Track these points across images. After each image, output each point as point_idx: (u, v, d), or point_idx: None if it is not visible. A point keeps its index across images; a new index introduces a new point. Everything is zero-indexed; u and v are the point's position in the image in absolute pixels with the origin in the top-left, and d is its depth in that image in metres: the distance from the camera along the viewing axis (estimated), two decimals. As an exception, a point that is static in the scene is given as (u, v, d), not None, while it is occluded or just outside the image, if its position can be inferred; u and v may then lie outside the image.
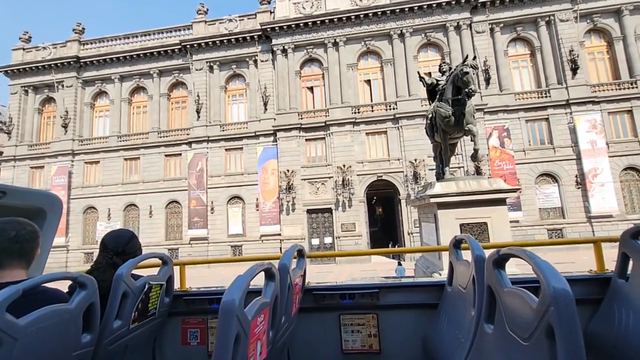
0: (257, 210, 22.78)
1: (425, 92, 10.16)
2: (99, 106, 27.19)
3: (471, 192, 7.60)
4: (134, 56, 25.86)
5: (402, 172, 20.97)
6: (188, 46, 24.92)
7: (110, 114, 26.39)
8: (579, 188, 20.06)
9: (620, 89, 20.83)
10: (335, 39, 22.92)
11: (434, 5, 21.88)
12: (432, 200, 7.72)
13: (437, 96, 8.88)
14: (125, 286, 1.70)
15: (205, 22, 25.42)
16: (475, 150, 7.96)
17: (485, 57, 21.72)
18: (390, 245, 22.82)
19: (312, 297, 2.39)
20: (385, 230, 24.54)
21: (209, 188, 23.39)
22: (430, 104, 9.64)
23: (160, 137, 25.17)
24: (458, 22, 21.82)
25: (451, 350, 1.75)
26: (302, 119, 22.75)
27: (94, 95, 26.96)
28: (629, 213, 19.76)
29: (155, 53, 25.61)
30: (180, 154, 24.67)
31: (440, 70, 9.50)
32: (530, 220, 20.25)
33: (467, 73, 7.46)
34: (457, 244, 2.12)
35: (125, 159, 25.31)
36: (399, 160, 21.19)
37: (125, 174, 25.21)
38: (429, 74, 21.84)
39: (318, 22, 22.94)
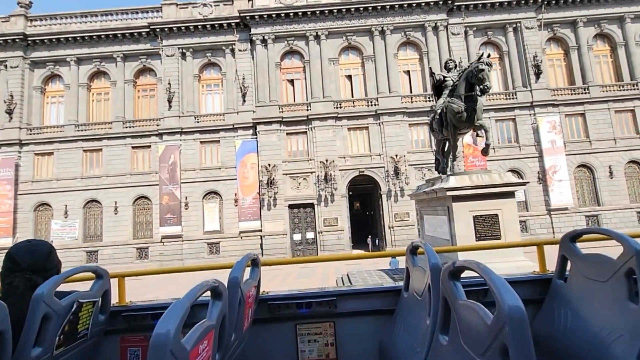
0: (236, 205, 21.95)
1: (430, 88, 10.32)
2: (51, 91, 24.35)
3: (485, 185, 7.90)
4: (94, 37, 23.45)
5: (383, 167, 21.39)
6: (158, 30, 23.14)
7: (66, 101, 23.76)
8: (540, 184, 21.91)
9: (574, 94, 23.01)
10: (317, 32, 22.63)
11: (414, 4, 22.44)
12: (449, 193, 7.87)
13: (447, 92, 9.07)
14: (47, 308, 1.46)
15: (177, 5, 23.77)
16: (487, 145, 8.26)
17: (460, 58, 22.64)
18: (369, 239, 23.24)
19: (267, 308, 2.29)
20: (365, 224, 24.92)
21: (182, 183, 22.06)
22: (435, 100, 9.82)
23: (126, 127, 23.19)
24: (436, 23, 22.61)
25: (407, 358, 1.76)
26: (282, 112, 22.24)
27: (45, 78, 24.06)
28: (581, 206, 22.01)
29: (119, 35, 23.43)
30: (149, 146, 22.94)
31: (446, 67, 9.73)
32: (499, 213, 21.70)
33: (482, 70, 7.69)
34: (413, 250, 2.11)
35: (85, 151, 22.99)
36: (380, 155, 21.57)
37: (85, 167, 22.91)
38: (408, 72, 22.50)
39: (300, 13, 22.47)
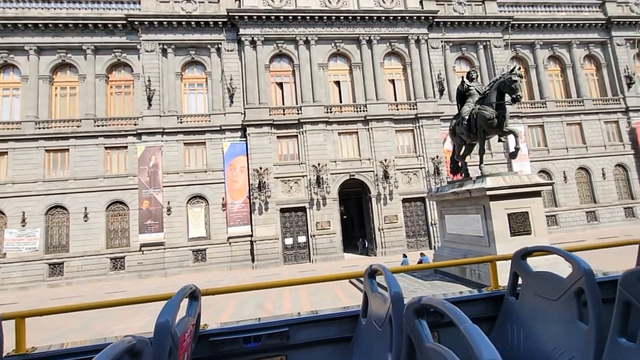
0: (224, 210, 21.10)
1: (454, 96, 11.00)
2: (3, 82, 21.42)
3: (518, 185, 8.70)
4: (60, 26, 21.20)
5: (373, 171, 22.07)
6: (136, 23, 21.62)
7: (22, 94, 21.07)
8: (509, 187, 24.15)
9: (535, 107, 25.89)
10: (307, 37, 22.81)
11: (399, 17, 23.68)
12: (488, 192, 8.51)
13: (475, 100, 9.82)
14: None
15: (157, -2, 22.43)
16: (517, 149, 9.11)
17: (439, 70, 24.46)
18: (359, 242, 23.73)
19: (208, 345, 1.98)
20: (355, 227, 25.36)
21: (164, 186, 20.68)
22: (459, 107, 10.56)
23: (98, 125, 21.18)
24: (418, 36, 24.06)
25: None
26: (272, 115, 21.95)
27: (-4, 68, 21.16)
28: (545, 207, 24.64)
29: (90, 25, 21.45)
30: (126, 147, 21.18)
31: (468, 77, 10.55)
32: (475, 214, 23.52)
33: (515, 81, 8.52)
34: (372, 274, 1.98)
35: (48, 151, 20.53)
36: (369, 160, 22.23)
37: (47, 169, 20.43)
38: (392, 81, 23.49)
39: (290, 17, 22.50)
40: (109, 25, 21.68)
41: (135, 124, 21.40)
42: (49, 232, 19.90)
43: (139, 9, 22.29)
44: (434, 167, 22.30)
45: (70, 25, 21.25)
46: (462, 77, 10.71)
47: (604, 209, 25.21)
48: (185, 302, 1.72)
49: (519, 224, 8.67)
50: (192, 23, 22.22)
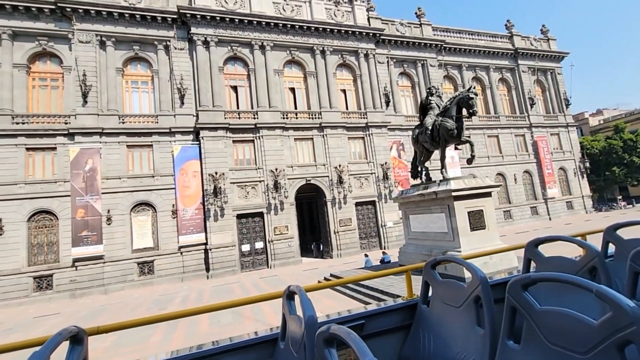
0: (174, 218, 19.77)
1: (418, 109, 12.21)
2: None
3: (476, 187, 10.13)
4: (-35, 3, 17.81)
5: (328, 176, 22.87)
6: (69, 9, 19.25)
7: None
8: (445, 190, 27.22)
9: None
10: (262, 42, 22.82)
11: (350, 32, 25.14)
12: (453, 193, 9.76)
13: (436, 112, 11.17)
14: None
15: (94, -15, 20.29)
16: (472, 157, 10.57)
17: (385, 83, 26.53)
18: (313, 246, 24.22)
19: None
20: (309, 231, 25.72)
21: (103, 193, 18.60)
22: (420, 119, 11.86)
23: (17, 123, 18.18)
24: (367, 51, 25.82)
25: None
26: (227, 118, 21.38)
27: None
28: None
29: (8, 7, 18.43)
30: (54, 148, 18.54)
31: (429, 93, 11.88)
32: (418, 215, 25.90)
33: (472, 98, 10.00)
34: (290, 295, 1.95)
35: (-54, 151, 16.94)
36: (324, 165, 23.00)
37: (-56, 174, 16.82)
38: (344, 91, 24.82)
39: (245, 21, 22.30)
40: (33, 9, 18.89)
41: (66, 123, 18.90)
42: (-53, 250, 16.34)
43: (71, -5, 19.86)
44: (383, 173, 24.00)
45: (-20, 3, 17.99)
46: (430, 89, 12.02)
47: (516, 208, 29.90)
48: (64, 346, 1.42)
49: (477, 220, 10.09)
50: (137, 16, 20.58)
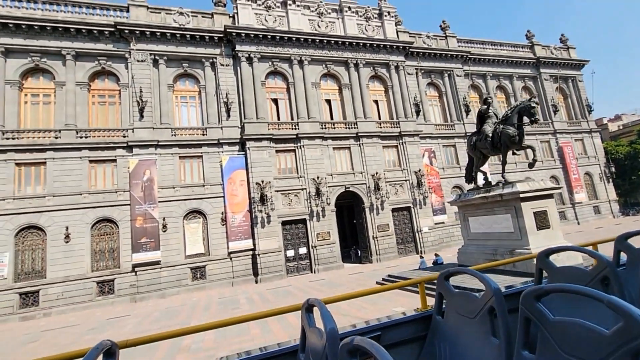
0: (224, 224, 20.71)
1: (476, 117, 13.05)
2: (-42, 86, 18.62)
3: (541, 189, 10.86)
4: (35, 28, 19.34)
5: (365, 183, 23.70)
6: (127, 31, 20.72)
7: (-16, 100, 18.53)
8: (475, 196, 27.75)
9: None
10: (301, 57, 24.06)
11: (381, 45, 26.30)
12: (521, 195, 10.50)
13: (496, 120, 11.99)
14: None
15: (148, 7, 21.82)
16: (534, 161, 11.32)
17: (415, 94, 27.52)
18: (352, 251, 24.90)
19: None
20: (347, 237, 26.42)
21: (159, 202, 19.66)
22: (480, 127, 12.68)
23: (80, 137, 19.47)
24: (397, 63, 26.92)
25: None
26: (269, 129, 22.47)
27: (-51, 69, 18.37)
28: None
29: (72, 30, 19.95)
30: (114, 160, 19.74)
31: (485, 102, 12.75)
32: (450, 221, 26.48)
33: (534, 107, 10.82)
34: (309, 308, 1.95)
35: (19, 164, 18.21)
36: (361, 173, 23.86)
37: (17, 185, 18.06)
38: (376, 102, 25.79)
39: (285, 37, 23.60)
40: (94, 32, 20.40)
41: (124, 136, 20.15)
42: (19, 256, 17.43)
43: (126, 17, 21.39)
44: (417, 180, 24.76)
45: (48, 28, 19.51)
46: (485, 99, 12.87)
47: (545, 214, 30.18)
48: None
49: (542, 220, 10.79)
50: (187, 36, 22.00)
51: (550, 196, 11.13)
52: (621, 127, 47.54)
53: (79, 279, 17.88)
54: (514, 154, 13.26)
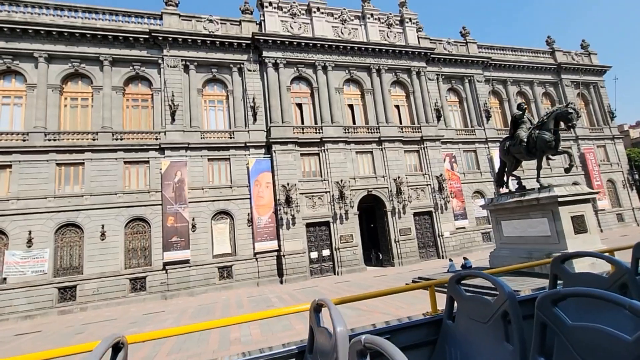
0: (249, 226, 21.21)
1: (510, 122, 13.25)
2: (4, 90, 19.67)
3: (577, 194, 11.00)
4: (77, 35, 20.34)
5: (387, 187, 23.96)
6: (160, 38, 21.59)
7: (28, 103, 19.52)
8: (496, 201, 27.69)
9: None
10: (325, 63, 24.59)
11: (403, 51, 26.68)
12: (560, 199, 10.66)
13: (531, 126, 12.19)
14: None
15: (180, 15, 22.71)
16: (571, 166, 11.49)
17: (435, 99, 27.75)
18: (372, 255, 25.09)
19: None
20: (369, 240, 26.63)
21: (189, 202, 20.29)
22: (513, 132, 12.89)
23: (116, 139, 20.30)
24: (419, 69, 27.23)
25: None
26: (294, 133, 22.97)
27: (-3, 73, 19.45)
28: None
29: (110, 37, 20.90)
30: (147, 162, 20.50)
31: (519, 108, 12.96)
32: (471, 226, 26.48)
33: (571, 113, 11.00)
34: (317, 308, 1.93)
35: (59, 164, 19.10)
36: (383, 177, 24.13)
37: (58, 184, 18.92)
38: (397, 107, 26.03)
39: (310, 44, 24.18)
40: (130, 39, 21.32)
41: (156, 139, 20.92)
42: (58, 252, 18.21)
43: (159, 25, 22.29)
44: (439, 184, 24.90)
45: (88, 35, 20.50)
46: (519, 105, 13.09)
47: (567, 220, 29.86)
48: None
49: (579, 224, 10.91)
50: (217, 42, 22.77)
51: (587, 201, 11.25)
52: (643, 134, 46.73)
53: (114, 276, 18.56)
54: (548, 159, 13.39)
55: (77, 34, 20.35)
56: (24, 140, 18.79)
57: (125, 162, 20.16)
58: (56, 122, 19.79)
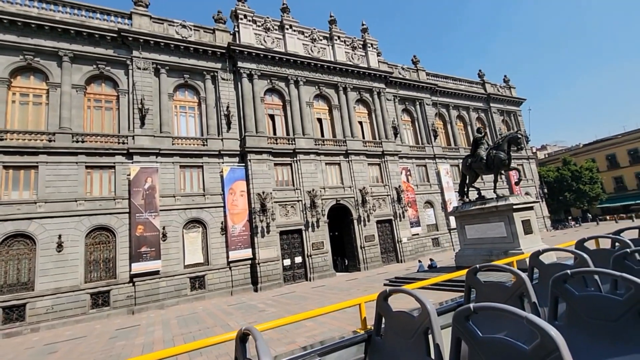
0: (223, 234, 21.03)
1: (472, 142, 15.81)
2: None
3: (527, 202, 13.73)
4: (33, 26, 18.53)
5: (354, 197, 25.71)
6: (130, 39, 20.68)
7: (-33, 96, 17.11)
8: (443, 210, 31.36)
9: (452, 152, 34.70)
10: (297, 78, 25.79)
11: (365, 73, 29.18)
12: (514, 207, 13.22)
13: (488, 147, 14.83)
14: None
15: (151, 17, 22.04)
16: (520, 180, 14.25)
17: (393, 118, 30.72)
18: (338, 261, 26.40)
19: None
20: (334, 247, 27.72)
21: (160, 210, 19.48)
22: (474, 151, 15.47)
23: (76, 141, 18.72)
24: (379, 89, 29.96)
25: None
26: (268, 143, 23.55)
27: None
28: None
29: (72, 32, 19.43)
30: (112, 167, 19.21)
31: (478, 131, 15.63)
32: (423, 233, 29.54)
33: (520, 138, 13.82)
34: (243, 338, 1.86)
35: (6, 167, 16.95)
36: (350, 187, 25.86)
37: (3, 189, 16.74)
38: (361, 123, 28.21)
39: (284, 58, 25.21)
40: (95, 35, 20.04)
41: (123, 143, 19.77)
42: (6, 266, 16.03)
43: (128, 25, 21.35)
44: (397, 195, 27.46)
45: (46, 27, 18.81)
46: (478, 129, 15.74)
47: (497, 227, 34.92)
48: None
49: (527, 227, 13.61)
50: (190, 48, 22.52)
51: (531, 208, 14.07)
52: (547, 156, 56.66)
53: (72, 291, 16.88)
54: (501, 174, 16.24)
55: (32, 25, 18.53)
56: (-39, 139, 16.37)
57: (87, 167, 18.64)
58: (2, 120, 17.60)
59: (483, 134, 15.73)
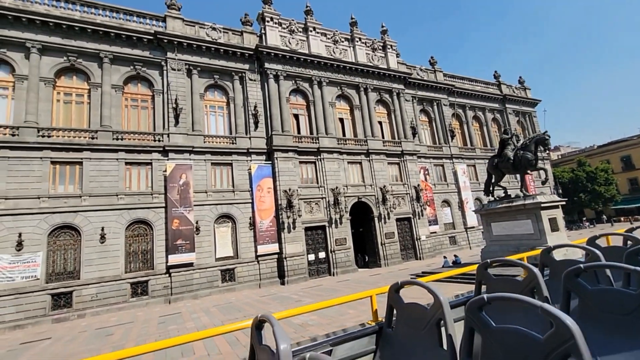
0: (251, 229, 21.88)
1: (498, 142, 16.41)
2: (-13, 79, 18.04)
3: (553, 201, 14.30)
4: (76, 29, 19.53)
5: (374, 195, 26.39)
6: (165, 41, 21.60)
7: (17, 96, 18.15)
8: (460, 209, 31.87)
9: (468, 152, 35.14)
10: (320, 79, 26.52)
11: (386, 74, 29.80)
12: (542, 205, 13.81)
13: (514, 147, 15.41)
14: None
15: (183, 20, 22.93)
16: (546, 179, 14.80)
17: (412, 119, 31.28)
18: (359, 257, 27.11)
19: None
20: (356, 243, 28.46)
21: (194, 205, 20.40)
22: (501, 151, 16.04)
23: (116, 139, 19.70)
24: (398, 90, 30.56)
25: None
26: (293, 142, 24.33)
27: (-20, 61, 17.82)
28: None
29: (112, 34, 20.40)
30: (149, 163, 20.16)
31: (505, 132, 16.19)
32: (441, 231, 30.10)
33: (547, 139, 14.36)
34: (259, 325, 1.85)
35: (54, 162, 17.98)
36: (371, 186, 26.54)
37: (52, 184, 17.78)
38: (380, 123, 28.79)
39: (308, 60, 25.96)
40: (133, 38, 21.01)
41: (158, 140, 20.71)
42: (54, 256, 17.06)
43: (162, 27, 22.28)
44: (416, 193, 28.07)
45: (89, 30, 19.80)
46: (506, 130, 16.31)
47: (512, 227, 35.31)
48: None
49: (554, 224, 14.17)
50: (221, 50, 23.38)
51: (558, 207, 14.63)
52: (560, 157, 56.62)
53: (114, 280, 17.87)
54: (527, 174, 16.77)
55: (76, 28, 19.54)
56: (13, 135, 17.42)
57: (126, 163, 19.62)
58: (48, 118, 18.63)
59: (510, 135, 16.29)
